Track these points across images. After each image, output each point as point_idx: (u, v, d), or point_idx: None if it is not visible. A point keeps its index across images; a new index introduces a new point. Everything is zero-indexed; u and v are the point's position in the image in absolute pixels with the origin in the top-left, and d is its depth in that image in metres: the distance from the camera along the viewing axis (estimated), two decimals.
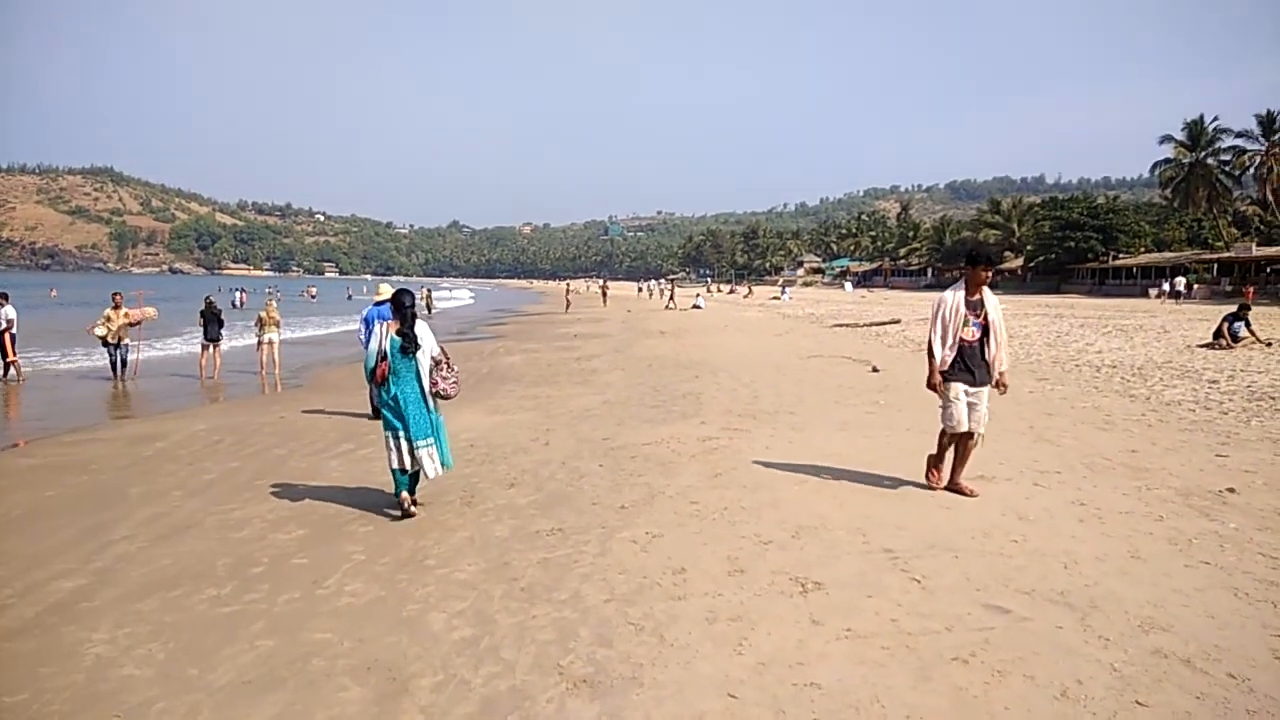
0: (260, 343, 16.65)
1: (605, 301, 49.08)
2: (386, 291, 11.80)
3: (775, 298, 58.33)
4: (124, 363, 16.08)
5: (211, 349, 16.57)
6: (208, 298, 17.42)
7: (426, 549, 5.42)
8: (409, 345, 6.18)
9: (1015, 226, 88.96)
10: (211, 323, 16.61)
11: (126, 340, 16.15)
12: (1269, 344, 16.50)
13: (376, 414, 11.72)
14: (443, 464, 6.30)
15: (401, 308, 6.27)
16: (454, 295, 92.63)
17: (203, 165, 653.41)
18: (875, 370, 14.49)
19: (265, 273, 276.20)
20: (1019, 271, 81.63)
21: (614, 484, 6.88)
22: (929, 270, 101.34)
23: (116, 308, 16.04)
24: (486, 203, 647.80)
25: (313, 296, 68.44)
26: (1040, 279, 75.17)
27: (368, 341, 11.86)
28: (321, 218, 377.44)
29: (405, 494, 6.22)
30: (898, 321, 27.28)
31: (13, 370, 15.77)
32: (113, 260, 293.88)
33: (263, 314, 16.84)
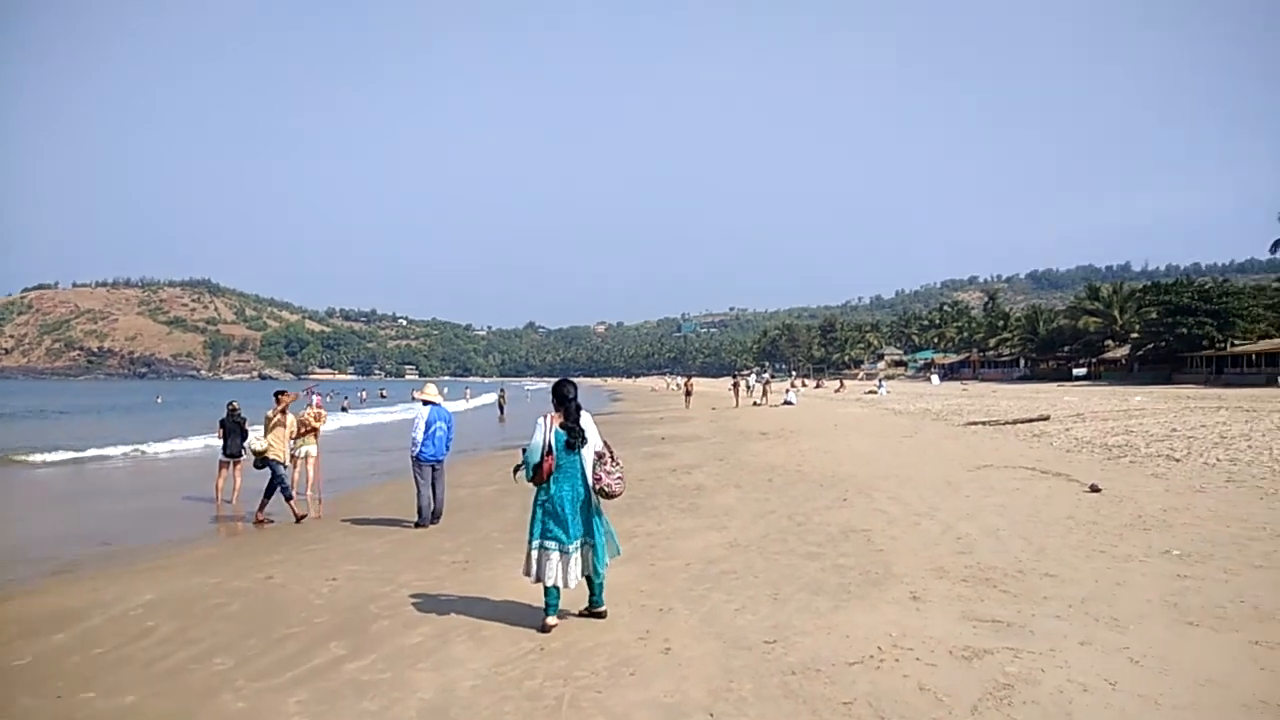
0: (294, 457, 13.35)
1: (689, 404, 44.00)
2: (432, 392, 10.91)
3: (871, 392, 53.84)
4: (282, 486, 11.31)
5: (232, 466, 13.51)
6: (231, 404, 14.34)
7: None
8: (575, 440, 5.69)
9: (1116, 314, 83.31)
10: (234, 434, 13.56)
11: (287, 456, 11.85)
12: None
13: (421, 523, 10.21)
14: (604, 561, 5.75)
15: (565, 399, 5.80)
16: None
17: (295, 275, 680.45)
18: (1096, 490, 10.47)
19: (349, 376, 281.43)
20: (1124, 361, 75.54)
21: None
22: (1022, 361, 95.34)
23: (284, 411, 11.59)
24: (562, 303, 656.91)
25: (383, 396, 68.28)
26: (1148, 369, 69.06)
27: (422, 446, 10.31)
28: (404, 322, 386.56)
29: (553, 619, 5.65)
30: (1047, 418, 22.89)
31: None
32: (205, 368, 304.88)
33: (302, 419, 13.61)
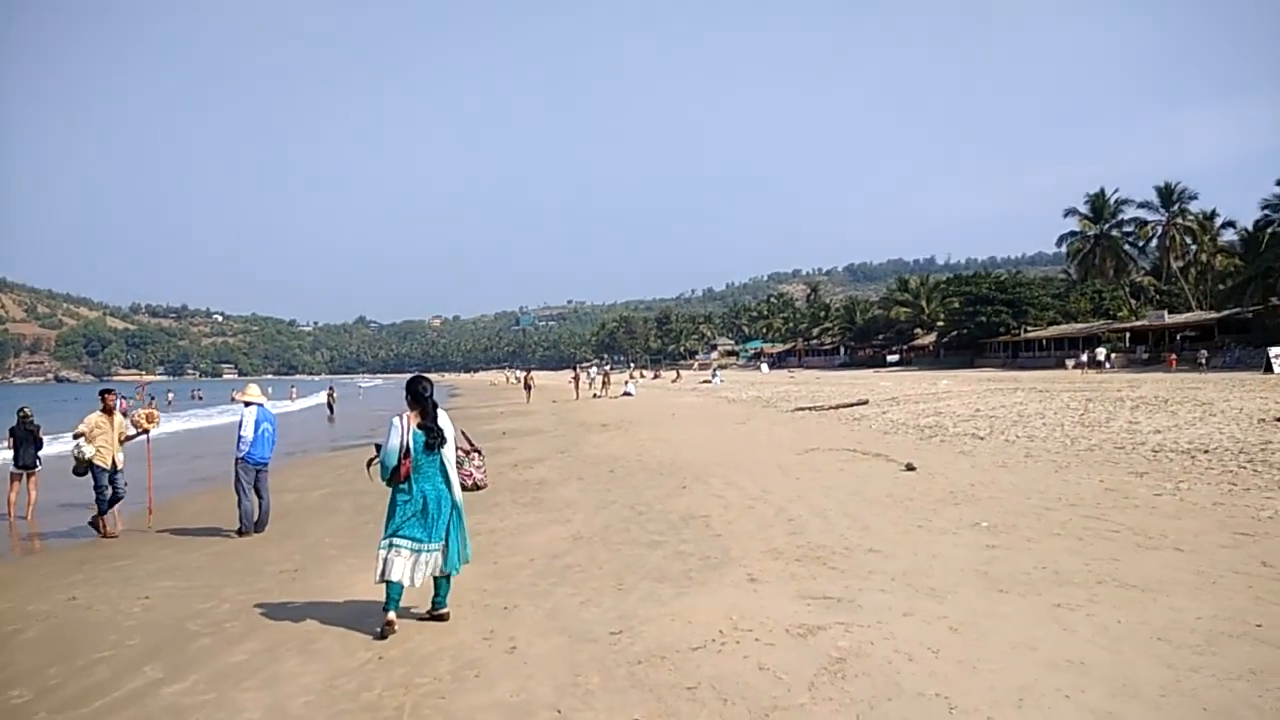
0: None
1: (530, 397, 42.92)
2: (255, 392, 10.29)
3: (707, 381, 55.48)
4: (115, 496, 10.31)
5: (25, 479, 12.29)
6: (22, 410, 12.98)
7: None
8: (434, 439, 5.52)
9: (924, 304, 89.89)
10: (26, 443, 12.39)
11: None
12: None
13: (244, 531, 9.59)
14: (459, 561, 5.61)
15: (421, 397, 5.58)
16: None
17: (93, 268, 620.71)
18: (911, 469, 11.25)
19: (159, 377, 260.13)
20: (931, 347, 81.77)
21: None
22: (842, 349, 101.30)
23: (108, 412, 10.45)
24: (394, 296, 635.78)
25: (198, 398, 64.02)
26: (953, 354, 75.24)
27: (252, 447, 9.72)
28: (219, 318, 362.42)
29: (393, 615, 5.41)
30: (866, 402, 24.39)
31: None
32: None
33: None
